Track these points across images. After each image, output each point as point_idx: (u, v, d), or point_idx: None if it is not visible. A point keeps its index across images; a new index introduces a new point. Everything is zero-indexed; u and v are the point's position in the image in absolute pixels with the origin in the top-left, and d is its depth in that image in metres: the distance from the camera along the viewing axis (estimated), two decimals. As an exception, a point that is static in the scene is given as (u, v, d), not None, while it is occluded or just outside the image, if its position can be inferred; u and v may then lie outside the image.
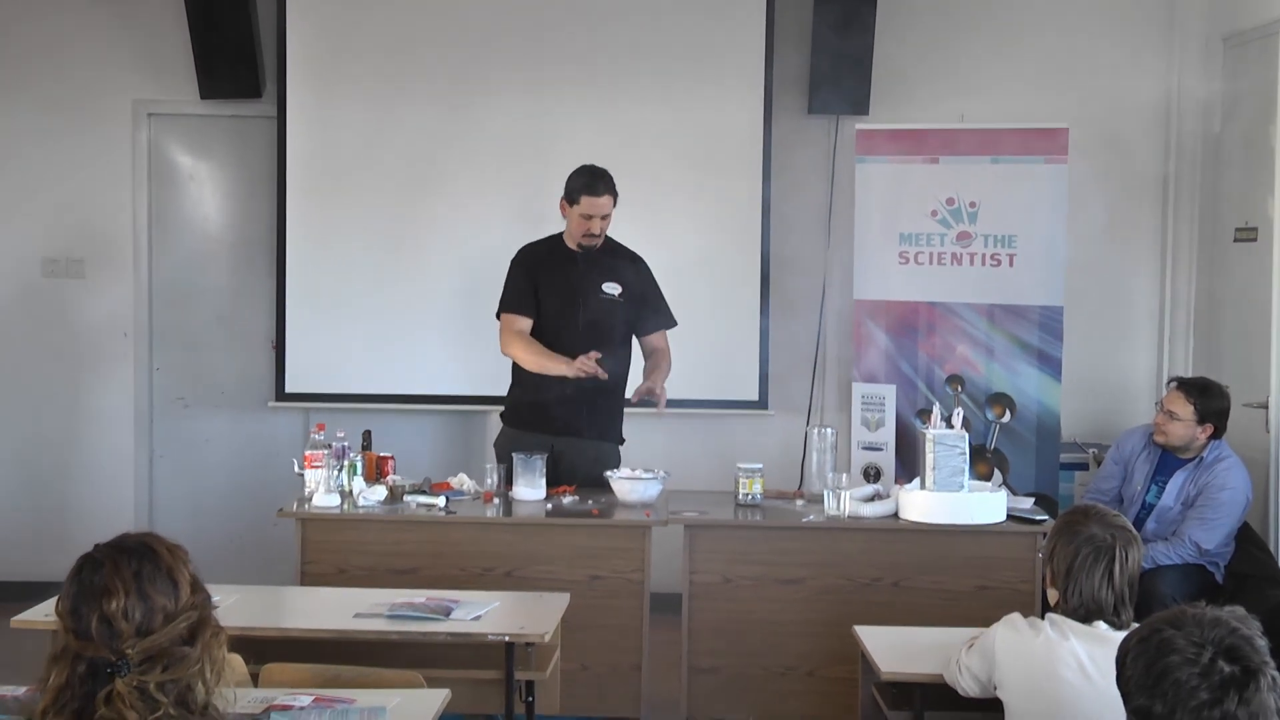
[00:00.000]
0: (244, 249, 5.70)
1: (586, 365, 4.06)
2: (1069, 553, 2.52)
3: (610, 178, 4.23)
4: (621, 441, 4.39)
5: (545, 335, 4.29)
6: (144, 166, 5.64)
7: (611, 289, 4.29)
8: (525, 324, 4.31)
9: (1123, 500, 4.44)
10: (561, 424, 4.26)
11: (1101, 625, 2.48)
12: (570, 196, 4.22)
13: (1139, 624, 1.92)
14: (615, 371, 4.24)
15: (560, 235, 4.37)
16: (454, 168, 5.44)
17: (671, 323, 4.46)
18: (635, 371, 4.43)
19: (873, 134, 5.18)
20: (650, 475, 4.09)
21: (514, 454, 4.09)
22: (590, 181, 4.19)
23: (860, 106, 5.39)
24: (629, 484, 4.04)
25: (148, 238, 5.67)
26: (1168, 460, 4.36)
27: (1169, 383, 4.48)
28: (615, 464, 4.27)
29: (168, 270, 5.71)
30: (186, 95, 5.56)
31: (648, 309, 4.38)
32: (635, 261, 4.39)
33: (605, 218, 4.22)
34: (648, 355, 4.44)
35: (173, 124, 5.69)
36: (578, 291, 4.28)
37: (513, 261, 4.39)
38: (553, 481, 4.13)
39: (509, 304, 4.34)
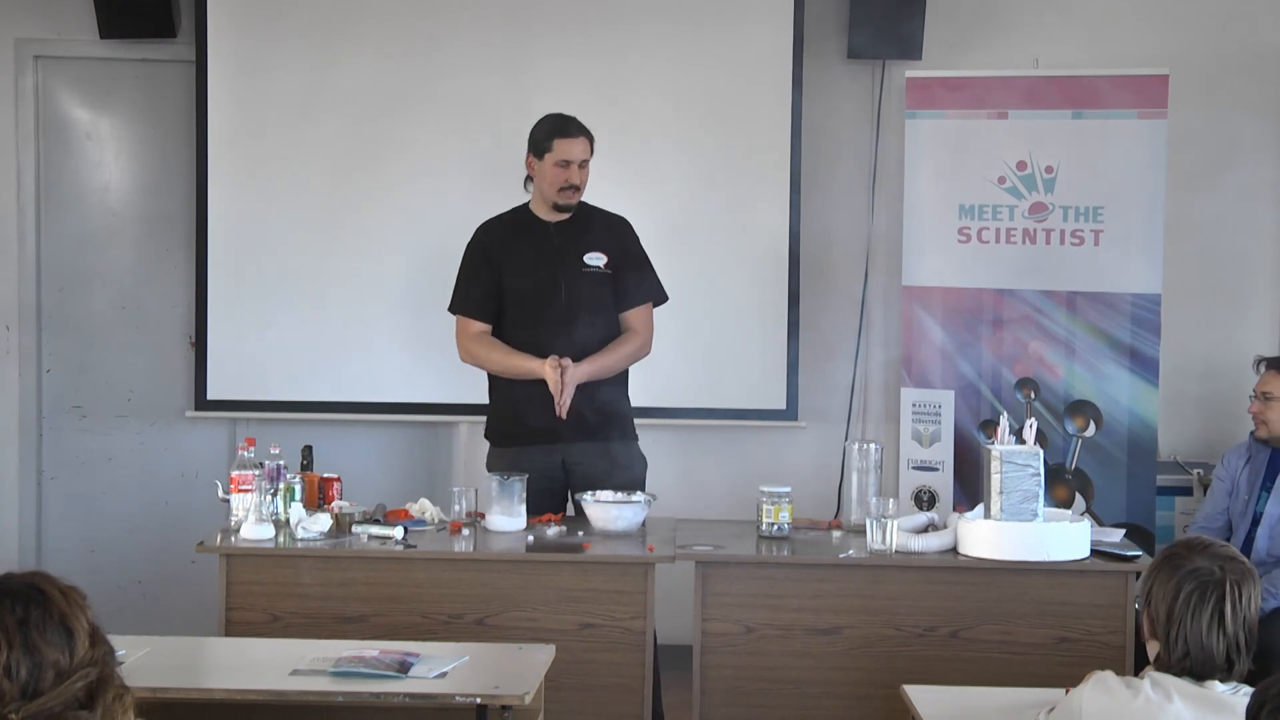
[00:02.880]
0: (155, 224, 5.70)
1: (560, 364, 4.17)
2: (1169, 592, 2.52)
3: (581, 123, 4.34)
4: (636, 438, 4.45)
5: (522, 325, 4.33)
6: (30, 122, 5.64)
7: (595, 260, 4.35)
8: (480, 329, 4.38)
9: (1231, 524, 4.47)
10: (568, 429, 4.28)
11: (1217, 686, 2.47)
12: (537, 147, 4.33)
13: (1259, 681, 1.91)
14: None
15: (526, 206, 4.43)
16: (413, 126, 5.44)
17: (660, 296, 4.49)
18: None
19: (927, 83, 5.18)
20: (638, 498, 4.12)
21: (491, 476, 4.14)
22: (560, 124, 4.31)
23: (911, 49, 5.39)
24: (615, 509, 4.06)
25: (35, 210, 5.67)
26: (1278, 459, 4.40)
27: (1258, 365, 4.52)
28: (643, 464, 4.40)
29: (60, 250, 5.71)
30: (83, 34, 5.56)
31: (631, 279, 4.41)
32: (618, 225, 4.46)
33: (584, 165, 4.31)
34: (622, 333, 4.44)
35: (66, 69, 5.69)
36: (556, 267, 4.33)
37: (468, 246, 4.45)
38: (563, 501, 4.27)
39: (460, 303, 4.43)
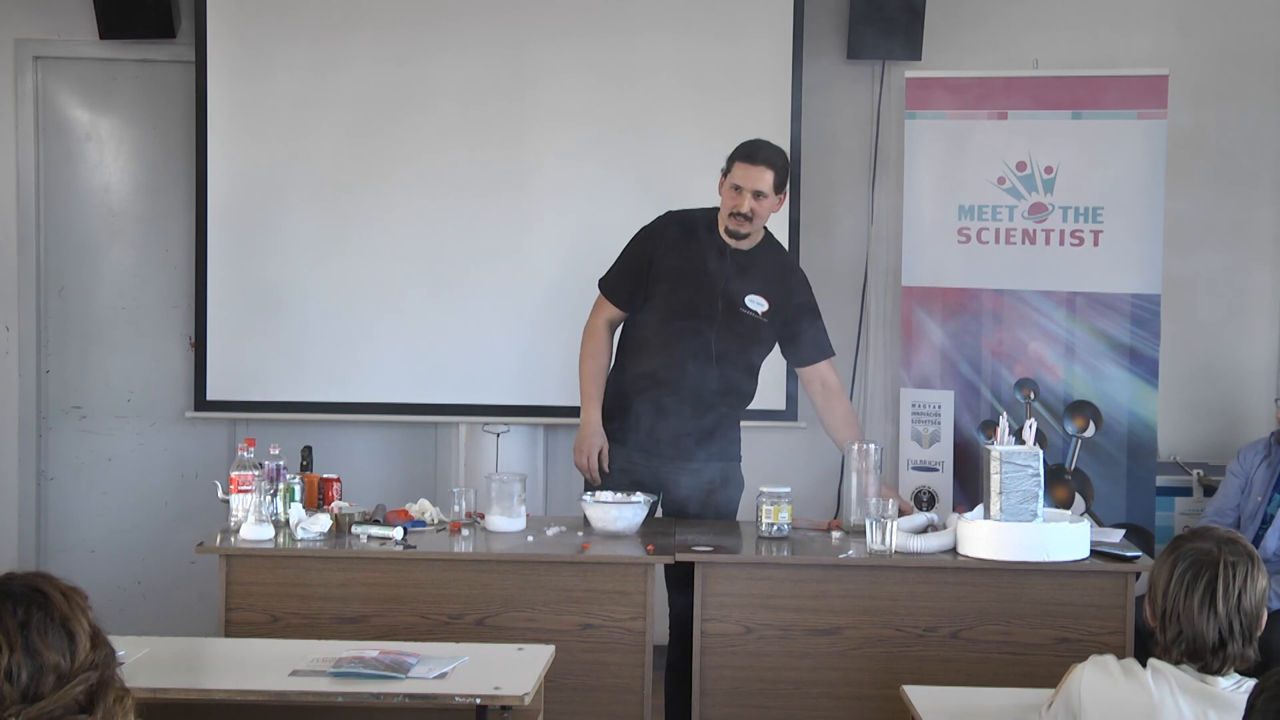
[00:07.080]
0: (155, 224, 5.70)
1: (591, 461, 4.21)
2: (1165, 572, 2.53)
3: (781, 153, 4.23)
4: (740, 459, 4.46)
5: (659, 334, 4.28)
6: (29, 122, 5.65)
7: (756, 304, 4.28)
8: (613, 314, 4.36)
9: (1240, 522, 4.47)
10: (670, 447, 4.28)
11: (1220, 681, 2.48)
12: (725, 166, 4.23)
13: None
14: (741, 393, 4.35)
15: (717, 212, 4.34)
16: (413, 127, 5.43)
17: (831, 350, 4.47)
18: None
19: (927, 84, 5.18)
20: (638, 498, 4.11)
21: (491, 477, 4.14)
22: (749, 149, 4.19)
23: (911, 49, 5.40)
24: (615, 509, 4.05)
25: (35, 210, 5.67)
26: None
27: None
28: (741, 486, 4.40)
29: (60, 251, 5.71)
30: (83, 34, 5.56)
31: (806, 331, 4.37)
32: (794, 272, 4.42)
33: (760, 196, 4.16)
34: (816, 392, 4.43)
35: (66, 69, 5.69)
36: (717, 299, 4.25)
37: (643, 229, 4.39)
38: (668, 513, 4.29)
39: (606, 281, 4.39)
